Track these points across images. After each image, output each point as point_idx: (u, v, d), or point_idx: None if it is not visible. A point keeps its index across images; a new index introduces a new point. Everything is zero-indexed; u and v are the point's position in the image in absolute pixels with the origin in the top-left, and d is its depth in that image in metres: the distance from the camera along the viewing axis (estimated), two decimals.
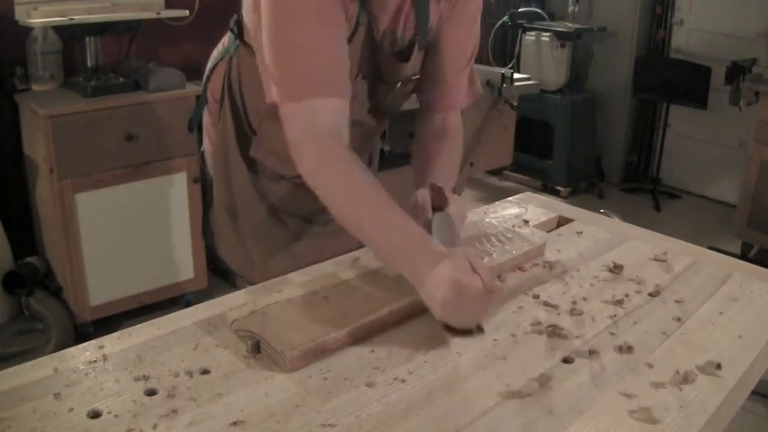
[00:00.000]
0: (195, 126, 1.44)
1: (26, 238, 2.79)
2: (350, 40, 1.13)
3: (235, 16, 1.27)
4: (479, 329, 1.00)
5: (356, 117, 1.26)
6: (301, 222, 1.37)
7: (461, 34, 1.29)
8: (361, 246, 1.19)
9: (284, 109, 1.07)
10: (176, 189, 2.75)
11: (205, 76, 1.38)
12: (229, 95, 1.28)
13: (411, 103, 1.38)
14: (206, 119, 1.39)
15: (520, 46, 4.64)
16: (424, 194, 1.13)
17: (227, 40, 1.32)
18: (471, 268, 0.95)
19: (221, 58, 1.32)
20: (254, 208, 1.34)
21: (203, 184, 1.43)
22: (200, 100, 1.39)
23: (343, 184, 1.04)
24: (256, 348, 0.95)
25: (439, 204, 1.11)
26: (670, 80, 4.22)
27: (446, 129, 1.33)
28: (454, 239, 1.07)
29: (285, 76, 1.06)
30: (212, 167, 1.38)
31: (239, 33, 1.25)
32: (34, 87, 2.63)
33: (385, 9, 1.17)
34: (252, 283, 1.24)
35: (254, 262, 1.37)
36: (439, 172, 1.23)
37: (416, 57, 1.25)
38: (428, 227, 1.10)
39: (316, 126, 1.05)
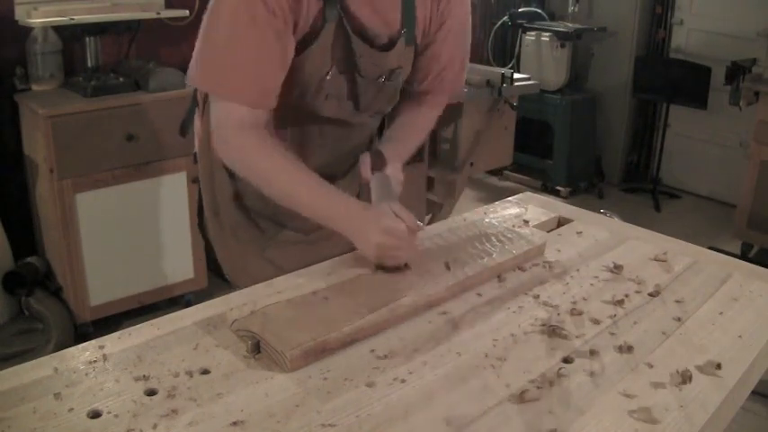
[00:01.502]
0: (188, 130, 1.46)
1: (26, 238, 2.79)
2: (314, 39, 1.16)
3: None
4: (406, 266, 1.16)
5: (335, 115, 1.28)
6: (274, 226, 1.37)
7: (451, 42, 1.32)
8: (342, 254, 1.24)
9: (213, 98, 1.19)
10: (176, 189, 2.75)
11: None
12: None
13: None
14: (196, 120, 1.39)
15: (520, 46, 4.64)
16: (365, 158, 1.27)
17: None
18: (395, 215, 1.12)
19: None
20: (231, 208, 1.35)
21: (199, 187, 1.44)
22: (192, 102, 1.40)
23: (269, 160, 1.16)
24: (256, 348, 0.95)
25: (378, 167, 1.26)
26: (670, 80, 4.22)
27: (421, 111, 1.42)
28: (390, 195, 1.22)
29: (213, 68, 1.15)
30: (200, 164, 1.39)
31: None
32: (34, 87, 2.63)
33: (361, 4, 1.18)
34: (237, 287, 1.26)
35: (235, 261, 1.39)
36: (396, 138, 1.36)
37: (402, 50, 1.26)
38: (367, 186, 1.26)
39: (238, 123, 1.16)
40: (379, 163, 1.27)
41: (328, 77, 1.21)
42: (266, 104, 1.17)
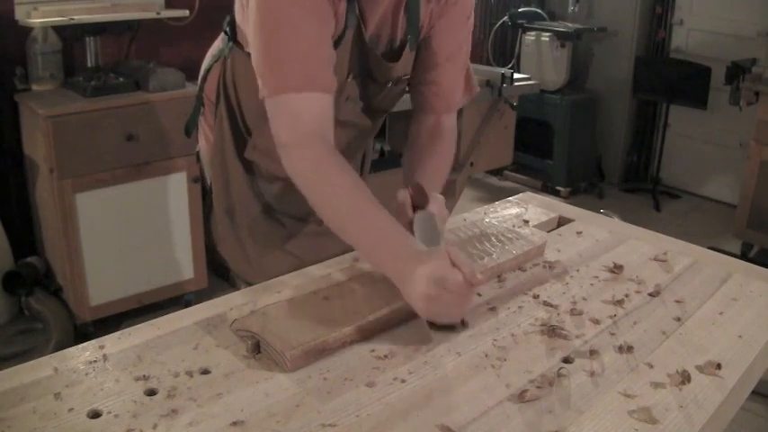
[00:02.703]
0: (192, 130, 1.43)
1: (26, 238, 2.79)
2: (339, 42, 1.13)
3: (228, 17, 1.27)
4: (463, 324, 1.02)
5: (350, 118, 1.27)
6: (296, 222, 1.37)
7: (453, 34, 1.27)
8: None
9: (269, 103, 1.08)
10: (176, 189, 2.75)
11: (200, 78, 1.37)
12: (225, 96, 1.28)
13: (409, 104, 1.38)
14: (202, 120, 1.39)
15: (520, 46, 4.64)
16: (404, 194, 1.13)
17: (220, 40, 1.32)
18: (451, 263, 0.96)
19: (216, 60, 1.31)
20: (250, 208, 1.35)
21: (203, 187, 1.44)
22: (197, 103, 1.39)
23: (328, 185, 1.05)
24: (256, 348, 0.95)
25: (420, 204, 1.12)
26: (670, 80, 4.22)
27: (440, 130, 1.32)
28: (435, 238, 1.07)
29: (269, 69, 1.07)
30: (210, 169, 1.38)
31: (233, 34, 1.25)
32: (34, 87, 2.63)
33: (375, 10, 1.17)
34: (251, 284, 1.24)
35: (252, 260, 1.37)
36: (426, 171, 1.23)
37: (407, 56, 1.25)
38: (409, 226, 1.10)
39: (301, 125, 1.06)
40: (421, 200, 1.10)
41: (348, 81, 1.20)
42: (324, 86, 1.07)
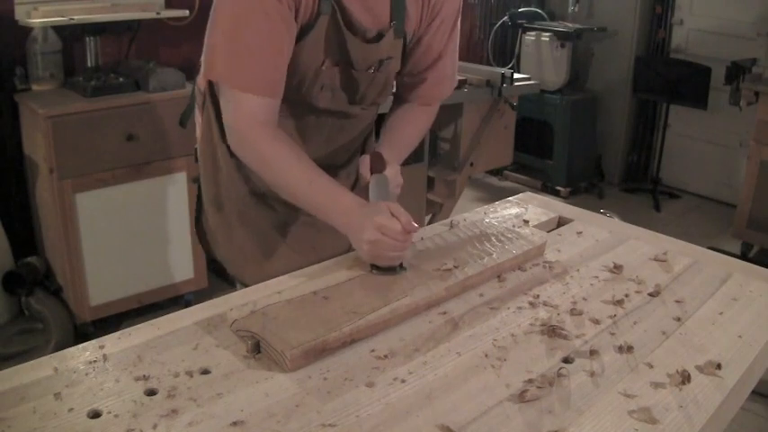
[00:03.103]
0: (187, 121, 1.47)
1: (26, 238, 2.79)
2: (310, 29, 1.18)
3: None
4: (401, 267, 1.15)
5: (330, 106, 1.30)
6: (287, 209, 1.37)
7: (442, 32, 1.32)
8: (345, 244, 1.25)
9: (224, 89, 1.20)
10: (176, 189, 2.75)
11: (199, 70, 1.38)
12: (211, 85, 1.29)
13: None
14: (197, 112, 1.39)
15: (520, 46, 4.64)
16: (364, 159, 1.27)
17: None
18: (390, 214, 1.11)
19: None
20: (238, 193, 1.35)
21: (198, 186, 1.44)
22: (192, 95, 1.41)
23: (279, 159, 1.18)
24: (256, 348, 0.95)
25: (378, 168, 1.26)
26: (670, 80, 4.22)
27: (420, 110, 1.42)
28: (385, 196, 1.21)
29: (229, 58, 1.17)
30: (200, 159, 1.39)
31: None
32: (34, 87, 2.63)
33: (355, 1, 1.20)
34: (246, 284, 1.25)
35: (247, 256, 1.37)
36: (394, 140, 1.36)
37: (391, 42, 1.27)
38: (366, 186, 1.25)
39: (253, 117, 1.17)
40: (378, 164, 1.26)
41: (323, 68, 1.23)
42: (277, 93, 1.18)
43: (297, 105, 1.28)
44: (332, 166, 1.36)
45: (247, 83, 1.16)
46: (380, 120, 1.44)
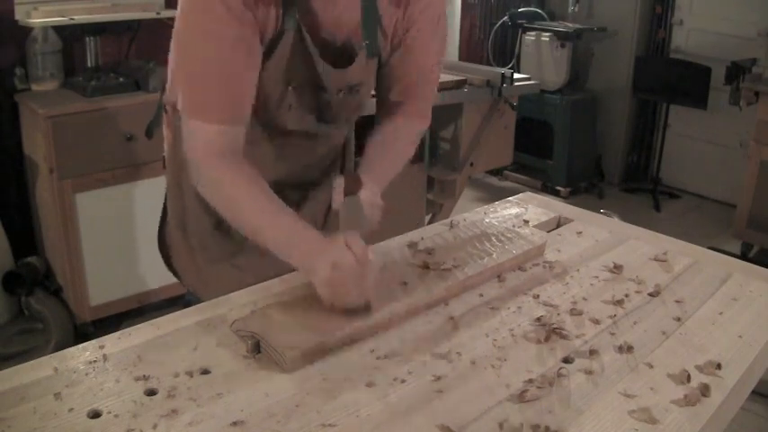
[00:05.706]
0: (153, 132, 1.41)
1: (26, 238, 2.79)
2: (273, 48, 1.12)
3: None
4: (367, 307, 1.02)
5: (299, 127, 1.23)
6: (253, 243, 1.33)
7: (424, 47, 1.25)
8: None
9: (184, 119, 1.11)
10: None
11: (166, 84, 1.32)
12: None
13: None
14: (165, 128, 1.35)
15: (520, 46, 4.63)
16: (339, 180, 1.15)
17: None
18: (345, 246, 0.99)
19: None
20: (201, 219, 1.31)
21: (165, 195, 1.40)
22: (158, 106, 1.36)
23: (238, 195, 1.09)
24: (256, 348, 0.95)
25: (352, 190, 1.14)
26: (670, 80, 4.22)
27: (403, 133, 1.30)
28: (358, 221, 1.11)
29: (188, 88, 1.10)
30: (167, 175, 1.35)
31: None
32: (34, 87, 2.63)
33: (325, 13, 1.13)
34: (200, 300, 1.21)
35: (202, 272, 1.34)
36: (375, 168, 1.24)
37: (363, 65, 1.20)
38: (337, 212, 1.15)
39: (212, 148, 1.09)
40: (353, 186, 1.14)
41: (289, 90, 1.18)
42: (236, 119, 1.10)
43: (264, 126, 1.22)
44: (303, 185, 1.32)
45: (199, 110, 1.09)
46: (360, 129, 1.35)
